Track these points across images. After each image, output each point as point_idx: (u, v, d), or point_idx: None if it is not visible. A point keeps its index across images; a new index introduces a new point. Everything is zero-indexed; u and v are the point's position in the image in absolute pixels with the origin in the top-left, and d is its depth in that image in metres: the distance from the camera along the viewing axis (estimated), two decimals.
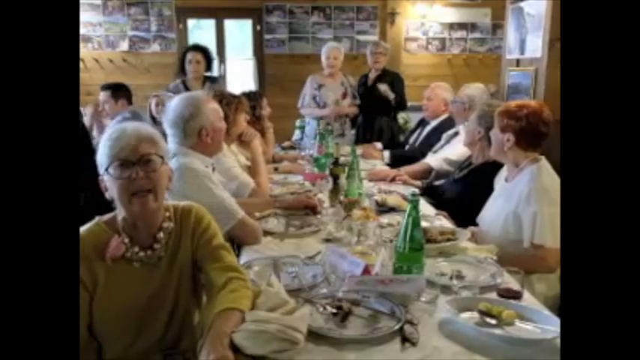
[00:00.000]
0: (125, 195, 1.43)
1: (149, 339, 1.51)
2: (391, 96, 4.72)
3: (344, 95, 4.69)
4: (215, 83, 4.56)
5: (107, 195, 1.48)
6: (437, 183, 3.32)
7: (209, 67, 4.63)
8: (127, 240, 1.47)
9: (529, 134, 2.20)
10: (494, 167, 2.58)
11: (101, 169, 1.46)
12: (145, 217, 1.48)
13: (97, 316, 1.45)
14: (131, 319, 1.48)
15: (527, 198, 2.10)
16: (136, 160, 1.42)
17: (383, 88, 4.73)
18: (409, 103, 4.99)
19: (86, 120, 4.39)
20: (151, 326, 1.51)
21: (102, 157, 1.45)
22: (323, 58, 4.69)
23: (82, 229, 1.46)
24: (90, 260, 1.43)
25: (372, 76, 4.85)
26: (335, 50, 4.67)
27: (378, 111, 4.78)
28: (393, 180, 3.27)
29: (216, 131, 2.26)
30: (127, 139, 1.43)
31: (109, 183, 1.45)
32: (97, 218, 1.52)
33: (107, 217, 1.52)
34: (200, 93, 2.47)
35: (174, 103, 2.25)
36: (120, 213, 1.49)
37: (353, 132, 4.91)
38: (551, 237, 2.03)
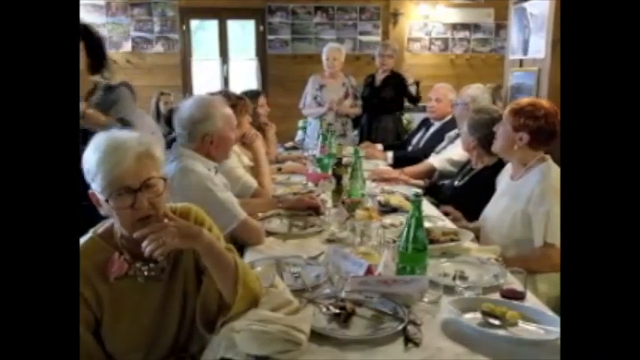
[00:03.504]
0: (128, 222, 1.35)
1: (161, 350, 1.48)
2: (413, 91, 4.89)
3: (345, 95, 4.70)
4: (112, 94, 2.36)
5: (101, 211, 1.39)
6: (440, 182, 3.32)
7: (98, 64, 2.36)
8: (128, 256, 1.41)
9: (545, 134, 2.17)
10: (495, 170, 2.58)
11: (93, 184, 1.35)
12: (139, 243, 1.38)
13: (107, 336, 1.42)
14: (141, 334, 1.45)
15: (538, 198, 2.08)
16: (138, 187, 1.32)
17: (410, 80, 4.90)
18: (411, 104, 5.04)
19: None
20: (161, 338, 1.48)
21: (95, 174, 1.33)
22: (323, 59, 4.72)
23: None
24: (92, 280, 1.38)
25: (380, 77, 4.87)
26: (335, 51, 4.68)
27: (383, 111, 4.80)
28: (395, 180, 3.27)
29: (222, 139, 2.22)
30: (127, 161, 1.31)
31: (105, 204, 1.35)
32: (91, 232, 1.45)
33: (102, 229, 1.45)
34: (216, 97, 2.38)
35: (188, 103, 2.24)
36: (118, 229, 1.42)
37: (355, 132, 4.91)
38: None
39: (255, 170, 2.89)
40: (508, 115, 2.27)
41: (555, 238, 2.04)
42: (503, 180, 2.45)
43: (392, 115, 4.85)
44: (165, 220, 1.37)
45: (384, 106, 4.81)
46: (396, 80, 4.88)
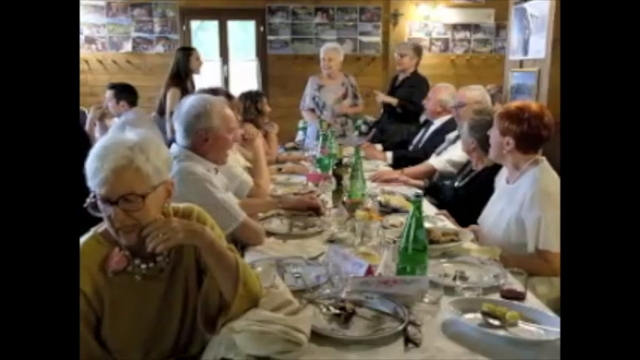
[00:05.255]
0: (112, 228, 1.37)
1: (162, 348, 1.49)
2: (393, 102, 4.68)
3: (344, 95, 4.66)
4: None
5: None
6: (440, 183, 3.31)
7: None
8: (127, 253, 1.42)
9: (529, 138, 2.16)
10: (495, 171, 2.58)
11: None
12: (137, 243, 1.40)
13: (108, 333, 1.43)
14: (141, 331, 1.45)
15: (530, 202, 2.07)
16: (115, 201, 1.32)
17: (379, 99, 4.74)
18: None
19: (88, 119, 4.41)
20: (162, 336, 1.48)
21: (88, 176, 1.35)
22: (320, 60, 4.69)
23: (80, 242, 1.41)
24: (93, 276, 1.40)
25: (400, 78, 4.84)
26: (330, 51, 4.63)
27: (397, 115, 4.74)
28: (395, 181, 3.27)
29: (218, 138, 2.20)
30: (105, 172, 1.30)
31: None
32: (92, 230, 1.46)
33: (103, 227, 1.44)
34: (217, 98, 2.39)
35: (188, 101, 2.25)
36: None
37: (356, 133, 4.90)
38: (556, 241, 1.99)
39: (253, 169, 2.89)
40: (496, 119, 2.26)
41: (549, 245, 2.02)
42: (501, 182, 2.44)
43: (404, 119, 4.70)
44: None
45: (395, 109, 4.74)
46: (413, 83, 4.72)
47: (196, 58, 4.82)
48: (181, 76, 4.71)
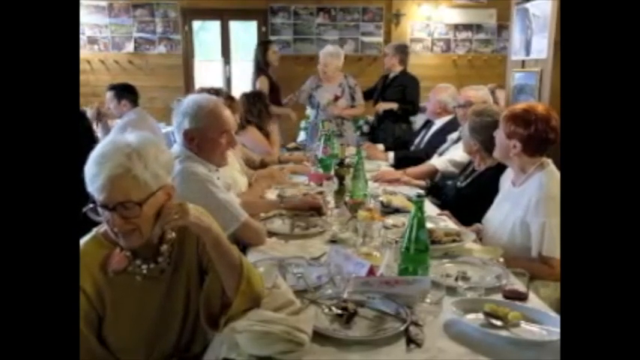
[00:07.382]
0: (111, 232, 1.39)
1: (164, 347, 1.50)
2: (394, 107, 4.76)
3: (336, 97, 4.63)
4: None
5: None
6: (442, 183, 3.31)
7: None
8: (128, 253, 1.44)
9: (536, 142, 2.14)
10: (498, 170, 2.57)
11: None
12: (138, 247, 1.43)
13: (109, 333, 1.44)
14: (143, 331, 1.46)
15: (535, 207, 2.05)
16: (112, 207, 1.33)
17: (381, 109, 4.85)
18: None
19: (89, 117, 4.43)
20: (164, 336, 1.49)
21: (87, 180, 1.36)
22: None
23: (81, 242, 1.42)
24: (94, 276, 1.41)
25: (390, 77, 4.93)
26: (326, 56, 4.60)
27: (386, 114, 4.79)
28: (397, 181, 3.27)
29: (205, 140, 2.15)
30: (102, 180, 1.31)
31: None
32: (94, 230, 1.48)
33: (105, 228, 1.45)
34: (215, 98, 2.33)
35: (186, 99, 2.24)
36: None
37: (357, 134, 4.90)
38: (560, 248, 1.97)
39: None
40: (502, 122, 2.24)
41: (552, 252, 2.01)
42: (506, 184, 2.42)
43: (394, 118, 4.79)
44: (156, 229, 1.40)
45: (391, 109, 4.80)
46: (403, 82, 4.81)
47: (273, 52, 5.16)
48: (263, 68, 5.08)
